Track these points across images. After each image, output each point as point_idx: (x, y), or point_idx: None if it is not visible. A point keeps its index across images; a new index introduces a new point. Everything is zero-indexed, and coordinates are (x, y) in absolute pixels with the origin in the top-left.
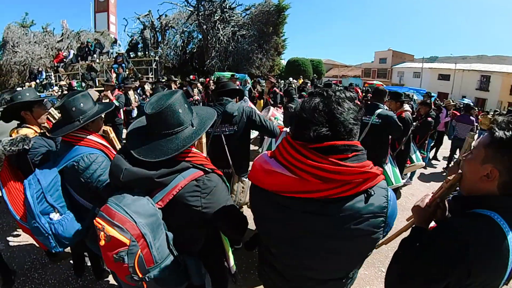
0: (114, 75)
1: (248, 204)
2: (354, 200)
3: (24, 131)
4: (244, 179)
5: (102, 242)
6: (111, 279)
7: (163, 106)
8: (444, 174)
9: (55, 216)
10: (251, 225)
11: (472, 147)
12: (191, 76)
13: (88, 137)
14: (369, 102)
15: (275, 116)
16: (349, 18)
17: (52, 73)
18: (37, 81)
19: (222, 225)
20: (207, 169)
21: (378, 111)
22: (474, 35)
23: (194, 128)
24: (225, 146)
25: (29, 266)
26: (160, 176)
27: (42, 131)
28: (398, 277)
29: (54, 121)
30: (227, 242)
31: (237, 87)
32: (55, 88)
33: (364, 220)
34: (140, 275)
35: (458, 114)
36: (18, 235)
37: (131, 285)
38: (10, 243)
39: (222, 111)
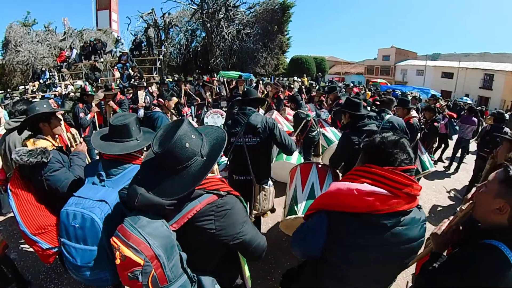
0: (118, 74)
1: (272, 210)
2: (412, 211)
3: (42, 143)
4: (265, 186)
5: (118, 261)
6: None
7: (170, 143)
8: (447, 172)
9: None
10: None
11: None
12: (205, 77)
13: (141, 156)
14: (377, 103)
15: (286, 123)
16: (352, 14)
17: (56, 73)
18: (41, 81)
19: (240, 250)
20: (221, 192)
21: (387, 116)
22: (477, 32)
23: (204, 159)
24: (247, 155)
25: (44, 276)
26: (170, 204)
27: (57, 144)
28: None
29: (76, 142)
30: (243, 258)
31: (261, 96)
32: (59, 88)
33: (420, 228)
34: None
35: (454, 114)
36: None
37: None
38: (23, 252)
39: (246, 122)
